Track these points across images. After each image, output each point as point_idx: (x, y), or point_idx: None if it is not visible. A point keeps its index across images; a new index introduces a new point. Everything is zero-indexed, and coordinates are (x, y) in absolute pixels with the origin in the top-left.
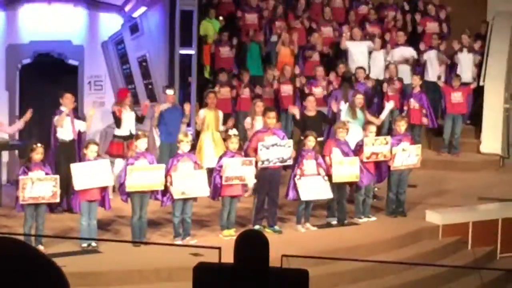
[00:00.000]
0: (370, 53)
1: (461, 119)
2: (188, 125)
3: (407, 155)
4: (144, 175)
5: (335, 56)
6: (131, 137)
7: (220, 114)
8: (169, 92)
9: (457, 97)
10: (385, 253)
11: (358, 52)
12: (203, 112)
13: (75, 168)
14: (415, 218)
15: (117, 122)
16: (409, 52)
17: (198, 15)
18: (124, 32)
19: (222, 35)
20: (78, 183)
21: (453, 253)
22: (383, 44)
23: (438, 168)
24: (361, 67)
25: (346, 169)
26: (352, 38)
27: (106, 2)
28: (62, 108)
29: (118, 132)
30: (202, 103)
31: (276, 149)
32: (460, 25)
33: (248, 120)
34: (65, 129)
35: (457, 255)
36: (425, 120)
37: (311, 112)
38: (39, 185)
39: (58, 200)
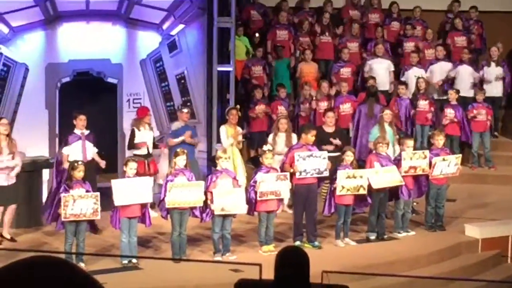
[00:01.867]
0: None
1: (489, 133)
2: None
3: (446, 164)
4: (184, 191)
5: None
6: (150, 155)
7: (240, 130)
8: (185, 110)
9: (481, 115)
10: (425, 267)
11: (380, 68)
12: (224, 128)
13: (116, 184)
14: (454, 232)
15: (130, 140)
16: (448, 67)
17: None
18: (162, 49)
19: (257, 51)
20: (118, 199)
21: (493, 267)
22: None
23: (476, 181)
24: (403, 82)
25: (385, 177)
26: (375, 54)
27: (144, 20)
28: (76, 130)
29: (137, 151)
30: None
31: (312, 160)
32: (494, 38)
33: (271, 136)
34: (76, 152)
35: (496, 269)
36: (459, 132)
37: (329, 128)
38: (80, 203)
39: (99, 217)
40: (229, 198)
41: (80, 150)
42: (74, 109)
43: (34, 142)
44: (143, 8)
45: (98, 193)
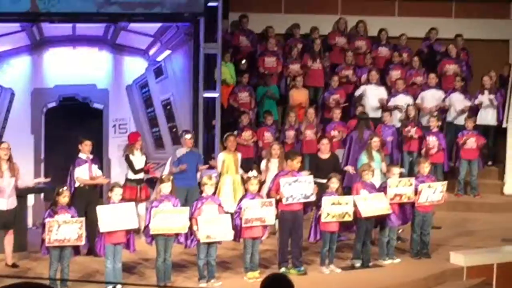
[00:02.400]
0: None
1: (477, 162)
2: (211, 168)
3: (432, 191)
4: (169, 217)
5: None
6: (142, 181)
7: (239, 157)
8: (187, 136)
9: (470, 143)
10: None
11: (373, 95)
12: (222, 155)
13: (101, 211)
14: (440, 259)
15: (131, 166)
16: (439, 94)
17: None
18: (148, 75)
19: (243, 77)
20: (103, 226)
21: None
22: (406, 86)
23: (462, 209)
24: (386, 110)
25: (373, 204)
26: (368, 81)
27: (131, 46)
28: (81, 154)
29: (130, 175)
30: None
31: (298, 185)
32: (482, 67)
33: (263, 162)
34: (83, 175)
35: None
36: (442, 159)
37: (324, 155)
38: (65, 228)
39: (83, 242)
40: (214, 225)
41: (87, 174)
42: (59, 135)
43: (20, 167)
44: (130, 34)
45: (83, 219)
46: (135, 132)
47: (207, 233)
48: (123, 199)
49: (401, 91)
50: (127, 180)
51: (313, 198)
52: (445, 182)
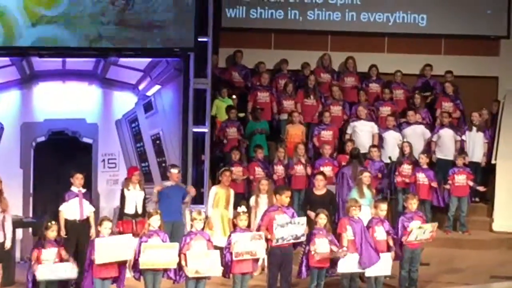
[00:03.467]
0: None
1: (467, 199)
2: (201, 203)
3: (422, 232)
4: (158, 253)
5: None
6: (138, 216)
7: (232, 193)
8: (174, 170)
9: (460, 179)
10: None
11: (363, 131)
12: (214, 189)
13: (99, 242)
14: None
15: (122, 200)
16: (420, 129)
17: (211, 94)
18: (138, 110)
19: (230, 112)
20: (99, 257)
21: None
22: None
23: (450, 246)
24: (375, 146)
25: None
26: (357, 117)
27: (120, 81)
28: (73, 188)
29: (126, 210)
30: (214, 181)
31: (291, 227)
32: (471, 104)
33: (252, 198)
34: (73, 209)
35: None
36: (431, 196)
37: (319, 191)
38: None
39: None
40: (203, 260)
41: (78, 207)
42: (48, 169)
43: (8, 202)
44: (119, 69)
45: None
46: (133, 167)
47: (196, 268)
48: (119, 233)
49: (391, 127)
50: (123, 214)
51: (303, 238)
52: (436, 224)
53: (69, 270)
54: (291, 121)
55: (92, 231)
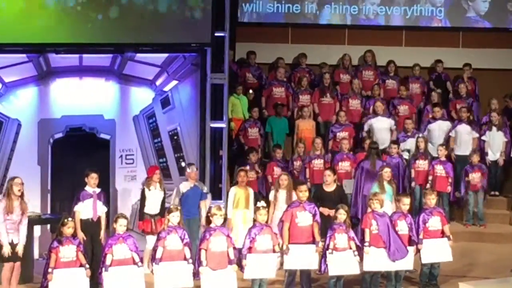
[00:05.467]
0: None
1: (482, 192)
2: (220, 198)
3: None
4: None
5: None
6: (157, 215)
7: (251, 192)
8: (192, 169)
9: (475, 178)
10: None
11: (381, 127)
12: (234, 189)
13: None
14: None
15: (142, 200)
16: (446, 125)
17: (228, 89)
18: (155, 106)
19: (253, 111)
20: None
21: None
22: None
23: (470, 239)
24: (395, 142)
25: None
26: (374, 112)
27: (138, 76)
28: (87, 188)
29: (146, 210)
30: (232, 176)
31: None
32: (488, 96)
33: (272, 193)
34: (87, 209)
35: None
36: (449, 189)
37: (329, 187)
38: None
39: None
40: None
41: (91, 208)
42: (66, 165)
43: (26, 198)
44: (137, 64)
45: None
46: (153, 166)
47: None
48: (143, 232)
49: (411, 134)
50: (143, 213)
51: (315, 266)
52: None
53: (81, 284)
54: (301, 116)
55: (102, 232)
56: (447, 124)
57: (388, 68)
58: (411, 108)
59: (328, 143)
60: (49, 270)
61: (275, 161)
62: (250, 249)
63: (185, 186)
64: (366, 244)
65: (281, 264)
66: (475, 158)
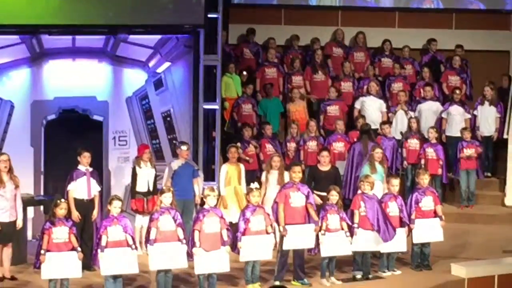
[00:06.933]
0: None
1: (475, 173)
2: (213, 179)
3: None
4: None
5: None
6: (150, 193)
7: (242, 168)
8: (184, 148)
9: (470, 153)
10: None
11: (372, 107)
12: (225, 167)
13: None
14: (441, 271)
15: (133, 178)
16: (436, 106)
17: (221, 70)
18: (148, 87)
19: (247, 88)
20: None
21: None
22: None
23: (462, 221)
24: (386, 122)
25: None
26: (368, 92)
27: (130, 58)
28: (80, 166)
29: (138, 188)
30: (225, 157)
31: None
32: (482, 78)
33: (263, 174)
34: (81, 188)
35: None
36: (440, 171)
37: (324, 167)
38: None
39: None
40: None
41: (85, 186)
42: (59, 147)
43: (19, 180)
44: (129, 46)
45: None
46: (143, 144)
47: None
48: (132, 211)
49: (403, 103)
50: (135, 192)
51: (311, 245)
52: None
53: (73, 268)
54: (291, 99)
55: (95, 212)
56: (437, 105)
57: (383, 46)
58: (405, 86)
59: (319, 119)
60: (42, 251)
61: (266, 138)
62: (244, 231)
63: (176, 164)
64: (355, 225)
65: (274, 245)
66: (467, 134)
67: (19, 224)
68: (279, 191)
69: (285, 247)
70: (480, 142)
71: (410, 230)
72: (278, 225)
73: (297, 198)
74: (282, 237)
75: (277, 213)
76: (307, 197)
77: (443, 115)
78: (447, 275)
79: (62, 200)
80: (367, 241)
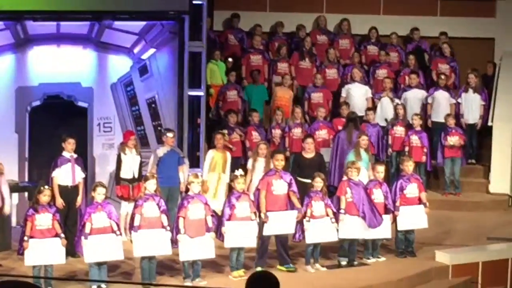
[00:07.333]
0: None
1: (460, 160)
2: (198, 166)
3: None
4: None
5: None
6: (135, 180)
7: (229, 156)
8: (169, 135)
9: (453, 140)
10: None
11: (357, 94)
12: (211, 153)
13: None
14: (425, 258)
15: (118, 165)
16: (422, 94)
17: (206, 57)
18: (133, 73)
19: (230, 75)
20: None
21: None
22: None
23: (447, 208)
24: (370, 108)
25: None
26: (352, 79)
27: (115, 44)
28: (64, 153)
29: (122, 174)
30: (210, 145)
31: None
32: (466, 65)
33: (249, 162)
34: (65, 175)
35: None
36: (424, 158)
37: (309, 154)
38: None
39: (63, 261)
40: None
41: (70, 173)
42: (44, 133)
43: (4, 166)
44: (114, 32)
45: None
46: (129, 131)
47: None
48: (117, 197)
49: (388, 90)
50: (120, 179)
51: (291, 231)
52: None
53: (57, 254)
54: (281, 83)
55: (79, 199)
56: (422, 93)
57: (370, 34)
58: (389, 73)
59: (304, 105)
60: (25, 238)
61: (253, 125)
62: (230, 217)
63: (162, 151)
64: (342, 211)
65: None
66: (451, 121)
67: (7, 211)
68: (262, 178)
69: (265, 233)
70: (464, 130)
71: (394, 217)
72: (260, 212)
73: (280, 186)
74: (263, 223)
75: (259, 200)
76: (290, 184)
77: (429, 100)
78: (432, 262)
79: (46, 186)
80: (354, 227)
